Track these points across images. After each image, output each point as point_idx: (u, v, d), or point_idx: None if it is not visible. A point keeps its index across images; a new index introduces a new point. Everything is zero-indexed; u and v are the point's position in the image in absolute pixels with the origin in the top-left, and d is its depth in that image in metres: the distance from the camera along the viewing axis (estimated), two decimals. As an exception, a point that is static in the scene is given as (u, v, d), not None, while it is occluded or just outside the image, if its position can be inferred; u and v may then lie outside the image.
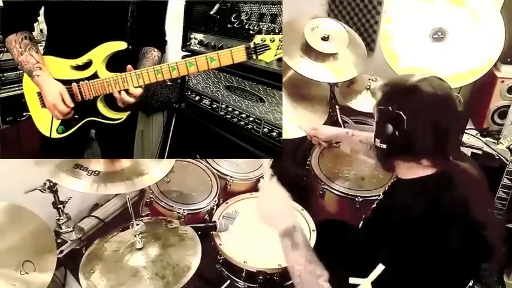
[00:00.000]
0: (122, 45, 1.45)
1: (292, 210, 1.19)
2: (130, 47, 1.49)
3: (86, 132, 1.63)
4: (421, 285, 1.05)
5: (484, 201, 1.15)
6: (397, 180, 1.25)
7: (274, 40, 1.20)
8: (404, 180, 1.19)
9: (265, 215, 1.18)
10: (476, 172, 1.17)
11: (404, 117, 1.09)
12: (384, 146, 1.16)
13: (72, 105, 1.48)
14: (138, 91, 1.42)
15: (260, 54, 1.21)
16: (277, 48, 1.21)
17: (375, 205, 1.33)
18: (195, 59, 1.28)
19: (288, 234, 1.12)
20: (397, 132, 1.11)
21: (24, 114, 2.02)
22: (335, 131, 1.76)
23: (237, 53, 1.23)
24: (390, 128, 1.13)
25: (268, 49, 1.21)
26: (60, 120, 1.54)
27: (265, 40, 1.21)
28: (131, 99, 1.43)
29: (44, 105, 1.56)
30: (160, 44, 1.74)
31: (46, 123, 1.57)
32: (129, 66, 1.41)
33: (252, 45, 1.22)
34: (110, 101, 1.51)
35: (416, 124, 1.09)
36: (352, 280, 1.03)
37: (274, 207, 1.18)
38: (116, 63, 1.48)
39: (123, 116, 1.54)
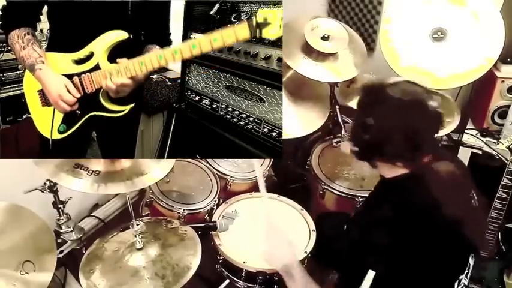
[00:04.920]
0: (123, 34, 1.43)
1: (291, 249, 1.31)
2: (131, 36, 1.47)
3: (87, 132, 1.63)
4: (405, 284, 1.08)
5: (459, 200, 1.15)
6: (381, 179, 1.28)
7: (273, 15, 1.11)
8: (386, 179, 1.24)
9: (267, 257, 1.33)
10: (451, 170, 1.19)
11: (373, 123, 1.14)
12: (356, 149, 1.22)
13: (78, 95, 1.47)
14: (126, 81, 1.39)
15: (264, 28, 1.13)
16: (279, 24, 1.12)
17: (358, 206, 1.36)
18: (198, 40, 1.23)
19: (286, 269, 1.27)
20: (367, 137, 1.16)
21: (25, 115, 2.02)
22: None
23: (240, 30, 1.16)
24: (361, 132, 1.17)
25: (269, 24, 1.13)
26: (61, 119, 1.53)
27: (265, 17, 1.12)
28: (113, 87, 1.40)
29: (45, 103, 1.55)
30: (164, 43, 1.73)
31: (47, 123, 1.56)
32: (118, 60, 1.40)
33: (254, 23, 1.14)
34: None
35: (384, 130, 1.13)
36: None
37: (276, 249, 1.31)
38: (117, 55, 1.45)
39: (126, 108, 1.53)
